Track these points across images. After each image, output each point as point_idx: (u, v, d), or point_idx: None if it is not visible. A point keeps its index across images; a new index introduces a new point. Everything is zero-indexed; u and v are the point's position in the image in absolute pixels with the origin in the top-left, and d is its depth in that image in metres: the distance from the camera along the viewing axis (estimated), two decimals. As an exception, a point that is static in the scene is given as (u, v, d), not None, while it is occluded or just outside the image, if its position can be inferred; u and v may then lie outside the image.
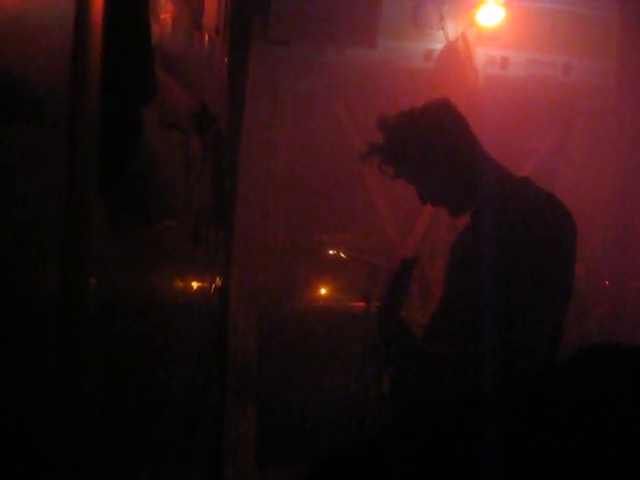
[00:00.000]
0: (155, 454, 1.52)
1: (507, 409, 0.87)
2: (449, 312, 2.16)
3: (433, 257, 5.20)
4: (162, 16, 1.20)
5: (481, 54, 5.23)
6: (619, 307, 4.91)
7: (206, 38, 1.80)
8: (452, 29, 5.13)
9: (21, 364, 0.80)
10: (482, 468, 0.85)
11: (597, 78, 5.43)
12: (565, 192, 4.88)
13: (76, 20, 0.84)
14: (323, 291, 4.95)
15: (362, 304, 4.12)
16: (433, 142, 2.11)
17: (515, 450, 0.83)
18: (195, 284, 2.03)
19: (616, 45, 5.17)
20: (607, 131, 5.51)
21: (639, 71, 5.00)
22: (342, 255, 4.74)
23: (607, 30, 5.28)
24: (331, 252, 4.89)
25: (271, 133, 5.03)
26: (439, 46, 5.14)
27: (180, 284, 1.76)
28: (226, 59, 2.41)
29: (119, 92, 0.96)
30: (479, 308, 1.94)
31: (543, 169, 5.38)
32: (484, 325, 1.92)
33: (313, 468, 0.95)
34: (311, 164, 5.10)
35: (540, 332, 1.91)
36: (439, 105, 2.17)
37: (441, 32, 5.13)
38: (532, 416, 0.85)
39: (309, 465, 0.95)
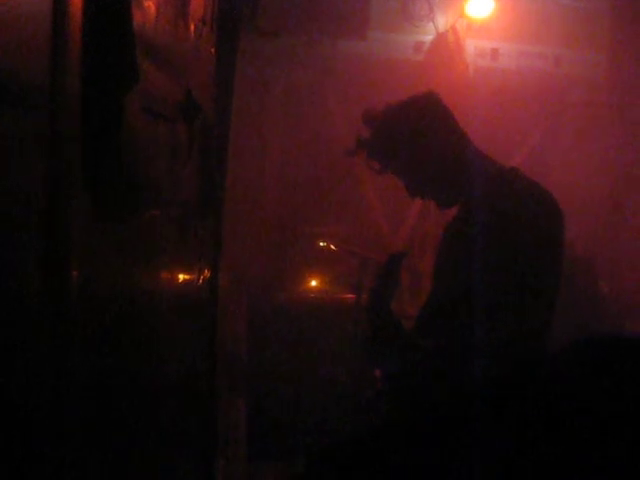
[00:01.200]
0: (145, 447, 1.52)
1: (504, 400, 0.86)
2: (438, 303, 2.17)
3: (423, 249, 5.20)
4: (145, 4, 1.19)
5: (471, 46, 5.22)
6: (611, 299, 4.93)
7: (192, 28, 1.79)
8: (442, 21, 5.12)
9: (2, 359, 0.79)
10: (475, 461, 0.84)
11: (587, 70, 5.44)
12: (555, 184, 4.87)
13: (54, 6, 0.83)
14: (313, 283, 4.95)
15: (352, 296, 4.12)
16: (419, 135, 2.11)
17: (512, 438, 0.83)
18: (183, 275, 2.02)
19: (606, 37, 5.17)
20: (597, 123, 5.52)
21: (629, 63, 5.01)
22: (332, 247, 4.73)
23: (597, 22, 5.28)
24: (322, 244, 4.88)
25: (261, 125, 5.01)
26: (429, 38, 5.13)
27: (167, 275, 1.75)
28: (213, 50, 2.39)
29: (100, 80, 0.95)
30: (467, 299, 1.95)
31: (533, 161, 5.38)
32: (473, 316, 1.92)
33: (309, 461, 0.95)
34: (301, 155, 5.08)
35: (528, 321, 1.92)
36: (424, 97, 2.16)
37: (431, 24, 5.12)
38: (530, 407, 0.84)
39: (306, 457, 0.95)
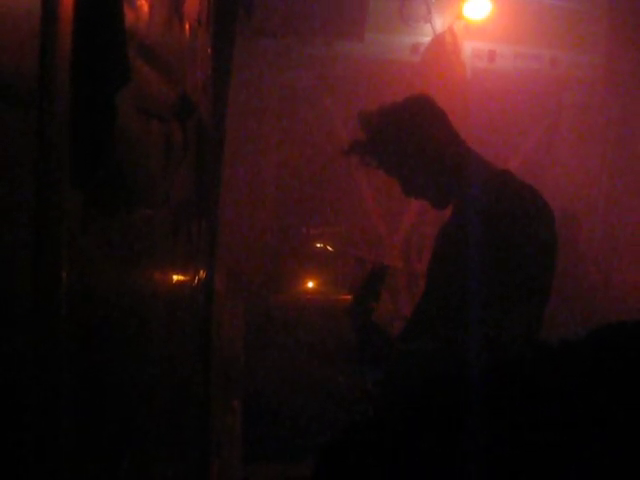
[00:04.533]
0: (140, 448, 1.51)
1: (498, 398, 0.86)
2: (431, 304, 2.17)
3: (420, 251, 5.20)
4: (138, 2, 1.18)
5: (468, 47, 5.23)
6: (607, 300, 4.94)
7: (187, 27, 1.78)
8: (439, 22, 5.13)
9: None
10: (470, 460, 0.84)
11: (584, 72, 5.45)
12: (552, 185, 4.89)
13: (44, 3, 0.83)
14: (310, 284, 4.95)
15: (349, 297, 4.11)
16: (412, 136, 2.12)
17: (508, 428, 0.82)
18: (176, 276, 2.01)
19: (603, 39, 5.18)
20: (594, 124, 5.53)
21: (626, 64, 5.02)
22: (329, 248, 4.73)
23: (594, 24, 5.29)
24: (319, 245, 4.88)
25: (258, 126, 5.01)
26: (426, 39, 5.13)
27: (160, 275, 1.74)
28: (209, 50, 2.39)
29: (91, 77, 0.95)
30: (461, 300, 1.95)
31: (530, 162, 5.39)
32: (465, 316, 1.93)
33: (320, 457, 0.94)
34: (299, 157, 5.08)
35: (520, 321, 1.92)
36: (418, 100, 2.18)
37: (428, 25, 5.13)
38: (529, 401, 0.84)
39: (326, 442, 0.94)
